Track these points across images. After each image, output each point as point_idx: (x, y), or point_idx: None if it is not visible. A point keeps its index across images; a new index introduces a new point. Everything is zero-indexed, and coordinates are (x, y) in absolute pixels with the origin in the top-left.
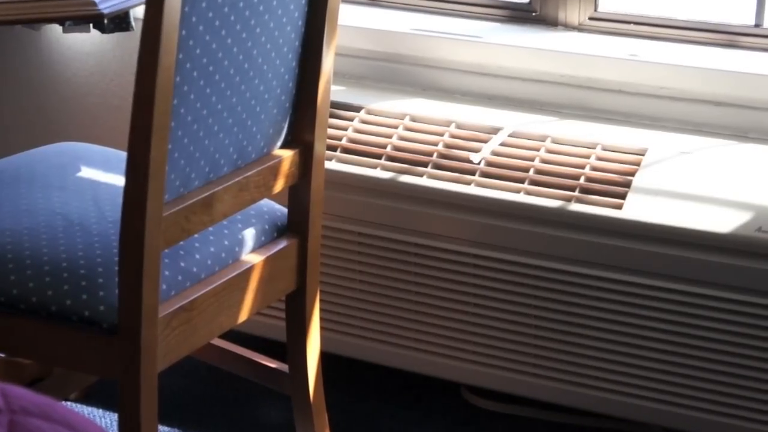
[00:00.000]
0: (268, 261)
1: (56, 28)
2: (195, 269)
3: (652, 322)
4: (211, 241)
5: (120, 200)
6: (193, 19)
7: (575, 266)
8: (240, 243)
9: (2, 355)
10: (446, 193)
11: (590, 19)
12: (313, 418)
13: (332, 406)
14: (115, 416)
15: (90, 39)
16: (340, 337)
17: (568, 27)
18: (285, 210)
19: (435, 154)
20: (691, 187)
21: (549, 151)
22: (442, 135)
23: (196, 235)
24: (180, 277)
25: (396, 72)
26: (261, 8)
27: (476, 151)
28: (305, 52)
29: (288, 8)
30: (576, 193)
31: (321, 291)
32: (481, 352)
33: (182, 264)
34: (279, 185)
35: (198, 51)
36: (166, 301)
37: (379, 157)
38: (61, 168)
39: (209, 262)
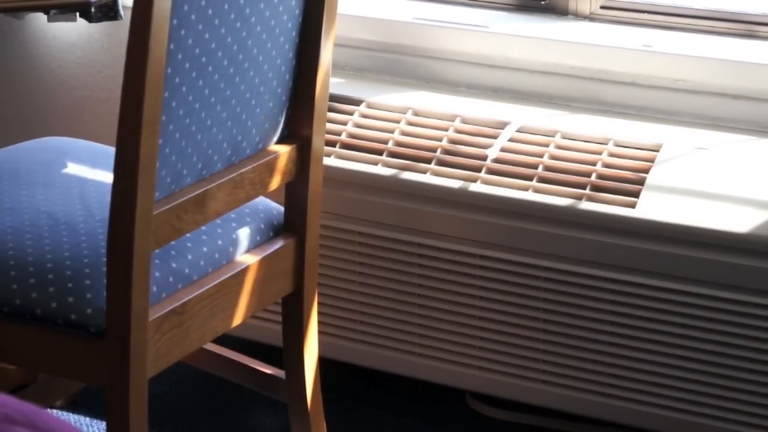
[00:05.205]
0: (263, 262)
1: (41, 17)
2: (187, 270)
3: (667, 327)
4: (204, 241)
5: (108, 198)
6: (185, 7)
7: (586, 267)
8: (234, 243)
9: None
10: (451, 191)
11: (602, 7)
12: (310, 426)
13: (330, 413)
14: (102, 424)
15: (76, 28)
16: (339, 341)
17: (578, 16)
18: (281, 208)
19: (439, 150)
20: (708, 184)
21: (559, 147)
22: (446, 130)
23: (188, 235)
24: (171, 279)
25: (398, 63)
26: None
27: (482, 146)
28: (303, 43)
29: None
30: (587, 191)
31: (319, 293)
32: (487, 358)
33: (173, 265)
34: (275, 182)
35: (190, 41)
36: (157, 303)
37: (380, 152)
38: (47, 164)
39: (202, 263)
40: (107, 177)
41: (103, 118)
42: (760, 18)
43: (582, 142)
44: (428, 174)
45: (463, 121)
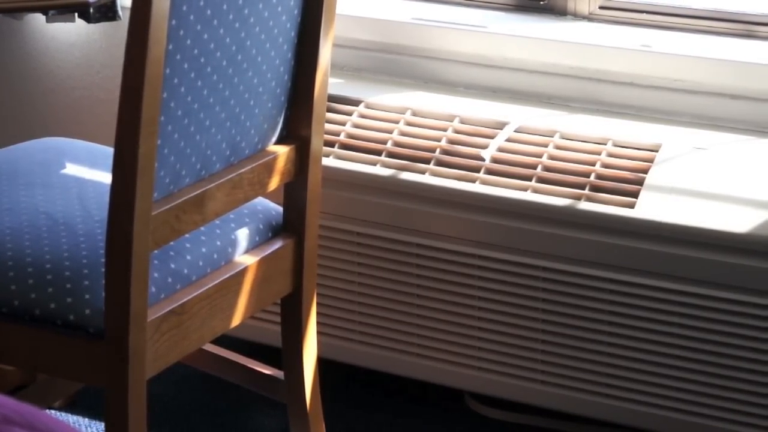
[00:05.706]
0: (262, 262)
1: (39, 18)
2: (186, 271)
3: (665, 327)
4: (203, 241)
5: (107, 198)
6: (184, 8)
7: (585, 268)
8: (233, 243)
9: None
10: (449, 191)
11: (601, 7)
12: (309, 426)
13: (329, 414)
14: (101, 425)
15: (75, 29)
16: (338, 342)
17: (577, 16)
18: (280, 209)
19: (437, 150)
20: (707, 184)
21: (557, 147)
22: (445, 130)
23: (186, 236)
24: (170, 280)
25: (396, 64)
26: None
27: (481, 147)
28: (301, 43)
29: None
30: (586, 191)
31: (318, 294)
32: (485, 358)
33: (172, 265)
34: (274, 183)
35: (189, 42)
36: (156, 304)
37: (378, 153)
38: (45, 164)
39: (201, 263)
40: (106, 177)
41: (101, 118)
42: (760, 18)
43: (581, 143)
44: (427, 174)
45: (462, 122)
